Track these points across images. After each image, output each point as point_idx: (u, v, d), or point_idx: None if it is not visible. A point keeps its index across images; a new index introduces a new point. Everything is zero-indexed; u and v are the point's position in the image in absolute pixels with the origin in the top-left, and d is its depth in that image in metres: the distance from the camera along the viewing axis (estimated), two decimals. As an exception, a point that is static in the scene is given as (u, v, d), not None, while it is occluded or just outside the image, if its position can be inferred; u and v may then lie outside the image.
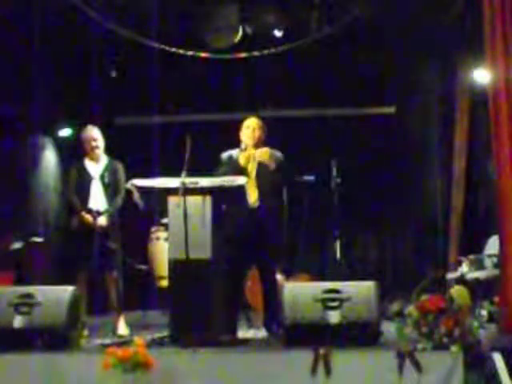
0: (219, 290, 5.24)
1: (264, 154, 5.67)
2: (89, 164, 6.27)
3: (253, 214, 5.57)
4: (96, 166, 6.25)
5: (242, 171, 5.57)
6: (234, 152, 5.79)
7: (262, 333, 5.79)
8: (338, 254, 6.75)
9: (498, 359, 4.36)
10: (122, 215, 6.27)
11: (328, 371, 4.34)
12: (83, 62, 7.66)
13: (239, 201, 5.48)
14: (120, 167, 6.30)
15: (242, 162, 5.67)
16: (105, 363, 4.30)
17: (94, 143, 6.24)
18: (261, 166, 5.72)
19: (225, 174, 5.48)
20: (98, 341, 5.41)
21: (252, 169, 5.67)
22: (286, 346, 4.73)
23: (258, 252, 5.65)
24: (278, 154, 5.82)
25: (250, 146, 5.75)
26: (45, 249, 8.05)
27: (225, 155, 5.81)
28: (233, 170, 5.55)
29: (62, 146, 8.96)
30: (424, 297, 4.57)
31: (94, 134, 6.27)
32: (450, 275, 7.01)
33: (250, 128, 5.78)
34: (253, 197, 5.59)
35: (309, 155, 8.38)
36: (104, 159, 6.30)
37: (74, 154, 6.99)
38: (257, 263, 5.83)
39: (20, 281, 7.02)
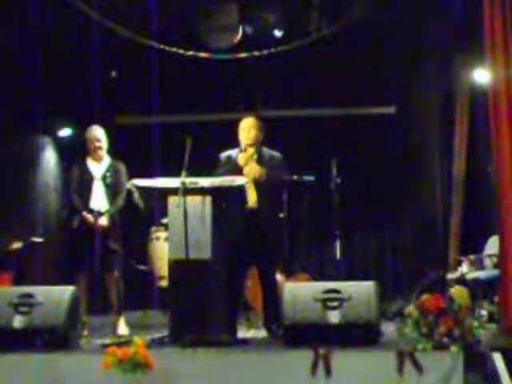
0: (219, 290, 5.24)
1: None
2: (91, 164, 6.27)
3: (252, 215, 5.58)
4: (98, 167, 6.25)
5: (240, 172, 5.57)
6: (234, 152, 5.78)
7: (262, 333, 5.79)
8: (338, 254, 6.73)
9: (497, 359, 4.36)
10: (122, 215, 6.28)
11: (328, 371, 4.34)
12: (83, 61, 7.65)
13: (239, 201, 5.49)
14: (122, 168, 6.30)
15: (240, 162, 5.66)
16: (105, 363, 4.31)
17: (97, 144, 6.24)
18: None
19: (224, 174, 5.47)
20: (98, 341, 5.39)
21: (251, 170, 5.65)
22: (285, 346, 4.74)
23: (258, 252, 5.64)
24: (277, 154, 5.82)
25: (248, 146, 5.75)
26: (45, 249, 8.04)
27: (224, 155, 5.80)
28: (232, 171, 5.54)
29: (62, 145, 8.97)
30: (424, 297, 4.57)
31: (98, 135, 6.27)
32: (450, 275, 7.01)
33: (246, 129, 5.77)
34: (252, 197, 5.59)
35: (309, 155, 8.37)
36: (106, 160, 6.30)
37: (74, 153, 6.98)
38: (257, 263, 5.82)
39: (20, 281, 7.01)
